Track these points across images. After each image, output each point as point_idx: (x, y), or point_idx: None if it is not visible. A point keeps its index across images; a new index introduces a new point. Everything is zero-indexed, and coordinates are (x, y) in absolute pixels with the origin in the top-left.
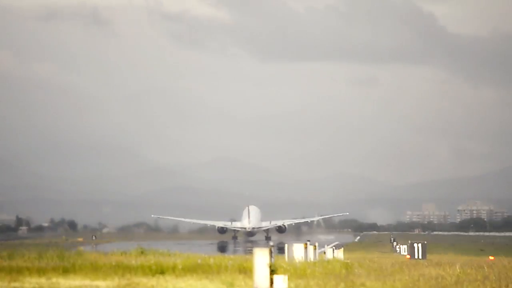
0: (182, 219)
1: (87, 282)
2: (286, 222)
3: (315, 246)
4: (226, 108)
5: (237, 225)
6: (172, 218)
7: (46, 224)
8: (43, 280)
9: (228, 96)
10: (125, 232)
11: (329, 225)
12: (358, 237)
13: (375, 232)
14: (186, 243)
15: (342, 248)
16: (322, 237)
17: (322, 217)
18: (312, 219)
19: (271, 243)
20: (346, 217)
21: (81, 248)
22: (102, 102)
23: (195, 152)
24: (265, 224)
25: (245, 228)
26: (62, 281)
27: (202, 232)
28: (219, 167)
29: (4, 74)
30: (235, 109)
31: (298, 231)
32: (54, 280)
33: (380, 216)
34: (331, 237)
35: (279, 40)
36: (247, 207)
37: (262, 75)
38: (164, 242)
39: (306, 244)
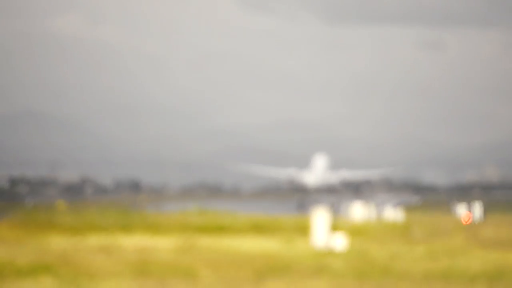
0: (257, 167)
1: (147, 240)
2: (348, 177)
3: (374, 205)
4: (291, 71)
5: (304, 176)
6: (248, 166)
7: (110, 184)
8: (104, 238)
9: (294, 59)
10: (187, 192)
11: (389, 186)
12: (418, 198)
13: (434, 193)
14: (247, 203)
15: (401, 208)
16: (381, 196)
17: (379, 171)
18: (371, 171)
19: (331, 202)
20: (406, 178)
21: (144, 207)
22: (167, 64)
23: (259, 114)
24: (329, 176)
25: (307, 186)
26: (123, 239)
27: (265, 192)
28: (283, 129)
29: (73, 36)
30: (300, 72)
31: (357, 191)
32: (115, 238)
33: (440, 177)
34: (390, 197)
35: (346, 4)
36: (312, 162)
37: (328, 39)
38: (225, 201)
39: (365, 203)
